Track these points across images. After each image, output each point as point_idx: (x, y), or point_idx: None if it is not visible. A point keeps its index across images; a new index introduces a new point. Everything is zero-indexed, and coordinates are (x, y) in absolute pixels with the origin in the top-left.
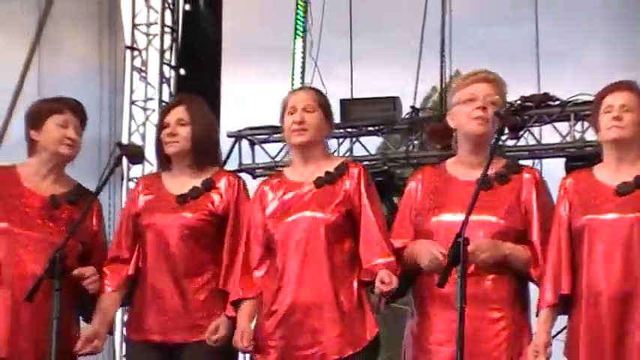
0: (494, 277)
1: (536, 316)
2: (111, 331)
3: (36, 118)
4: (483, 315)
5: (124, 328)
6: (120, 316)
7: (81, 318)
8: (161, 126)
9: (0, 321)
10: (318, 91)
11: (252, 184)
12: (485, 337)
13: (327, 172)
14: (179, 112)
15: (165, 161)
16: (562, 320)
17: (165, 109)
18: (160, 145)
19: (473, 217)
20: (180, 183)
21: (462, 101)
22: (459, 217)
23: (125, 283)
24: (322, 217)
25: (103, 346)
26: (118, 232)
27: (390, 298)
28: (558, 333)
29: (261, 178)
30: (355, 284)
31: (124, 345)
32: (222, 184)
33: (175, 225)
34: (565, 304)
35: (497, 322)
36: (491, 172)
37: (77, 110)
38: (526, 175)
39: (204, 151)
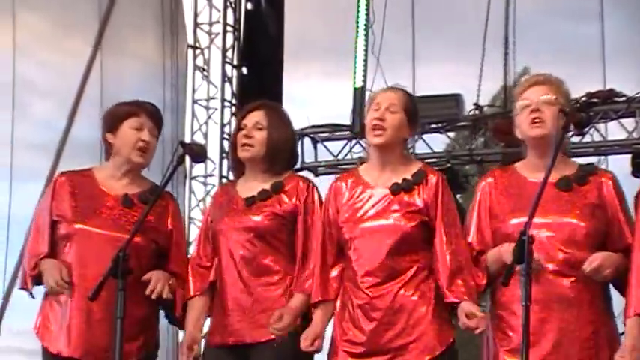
0: (575, 279)
1: (623, 324)
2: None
3: (112, 121)
4: (576, 316)
5: None
6: None
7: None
8: (238, 128)
9: (74, 321)
10: (405, 92)
11: (314, 182)
12: (579, 337)
13: (405, 179)
14: (257, 116)
15: (239, 165)
16: None
17: (243, 112)
18: (234, 148)
19: (557, 219)
20: (251, 187)
21: (519, 110)
22: (538, 219)
23: (210, 288)
24: (398, 226)
25: (201, 351)
26: (198, 239)
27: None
28: None
29: (324, 177)
30: (432, 293)
31: None
32: (291, 187)
33: (242, 228)
34: None
35: (587, 325)
36: (567, 173)
37: (153, 114)
38: (603, 178)
39: (279, 157)
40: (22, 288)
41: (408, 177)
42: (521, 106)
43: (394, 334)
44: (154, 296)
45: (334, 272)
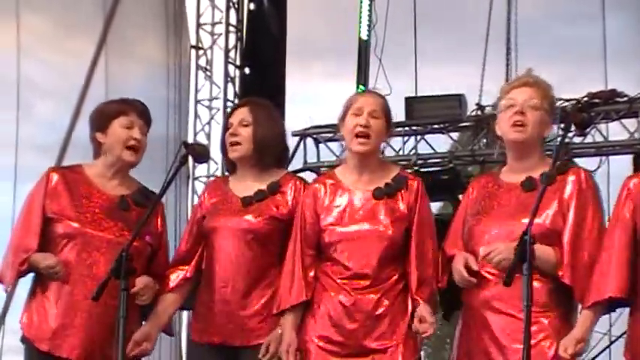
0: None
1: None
2: (171, 333)
3: (101, 119)
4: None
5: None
6: (186, 318)
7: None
8: (225, 127)
9: (75, 323)
10: (383, 97)
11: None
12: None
13: (387, 184)
14: (242, 113)
15: (230, 163)
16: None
17: (230, 112)
18: (225, 147)
19: (509, 221)
20: (245, 185)
21: (502, 109)
22: (496, 221)
23: (184, 284)
24: (381, 231)
25: (152, 348)
26: (184, 234)
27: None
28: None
29: None
30: (408, 304)
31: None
32: (288, 188)
33: (239, 228)
34: (611, 305)
35: (535, 324)
36: (537, 174)
37: (142, 112)
38: (571, 177)
39: (267, 152)
40: (3, 283)
41: (389, 181)
42: (505, 105)
43: (375, 337)
44: (139, 302)
45: (311, 273)
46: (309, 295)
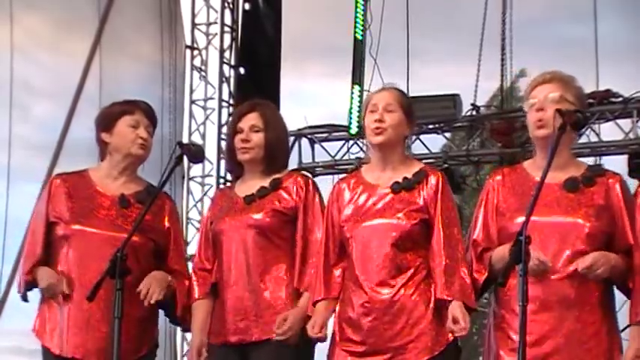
0: (580, 280)
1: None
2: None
3: (107, 120)
4: (577, 316)
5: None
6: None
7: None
8: (234, 132)
9: (73, 322)
10: (400, 91)
11: None
12: (580, 338)
13: (405, 178)
14: (252, 119)
15: (237, 167)
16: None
17: (237, 115)
18: (232, 151)
19: (562, 219)
20: (248, 186)
21: (527, 110)
22: (545, 219)
23: (213, 290)
24: (399, 224)
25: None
26: (199, 243)
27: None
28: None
29: (322, 177)
30: (432, 293)
31: (184, 345)
32: (290, 183)
33: (244, 226)
34: None
35: (591, 325)
36: (576, 174)
37: (147, 111)
38: (611, 179)
39: (277, 157)
40: (18, 292)
41: (409, 176)
42: (529, 105)
43: (394, 334)
44: (145, 304)
45: (337, 272)
46: (327, 294)
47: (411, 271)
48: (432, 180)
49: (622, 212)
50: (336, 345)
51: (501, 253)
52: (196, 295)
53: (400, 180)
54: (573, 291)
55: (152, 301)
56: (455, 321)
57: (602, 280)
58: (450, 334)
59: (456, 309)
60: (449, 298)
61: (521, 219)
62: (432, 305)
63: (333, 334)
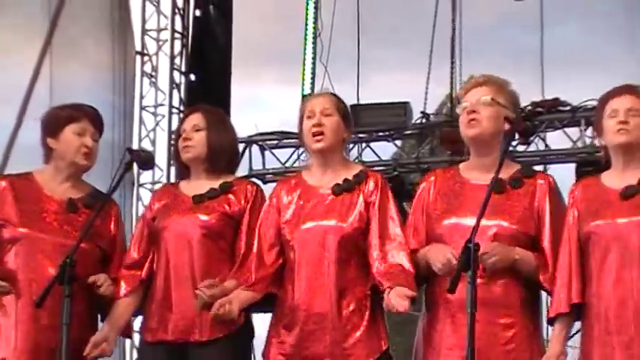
0: (505, 283)
1: (548, 324)
2: (129, 335)
3: (53, 125)
4: (495, 320)
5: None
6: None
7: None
8: (178, 135)
9: (20, 328)
10: (335, 96)
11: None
12: (496, 342)
13: (346, 180)
14: (195, 119)
15: (183, 169)
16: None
17: (183, 118)
18: (178, 153)
19: (485, 221)
20: (196, 186)
21: (460, 113)
22: (471, 221)
23: (139, 287)
24: (338, 227)
25: (112, 350)
26: (133, 238)
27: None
28: (571, 337)
29: (272, 184)
30: (368, 294)
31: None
32: (240, 188)
33: (192, 225)
34: (578, 312)
35: (509, 329)
36: (505, 176)
37: (94, 118)
38: (540, 181)
39: (220, 157)
40: None
41: (349, 177)
42: (462, 109)
43: (330, 340)
44: (107, 294)
45: (271, 270)
46: (253, 288)
47: (349, 276)
48: (372, 180)
49: (544, 213)
50: (272, 346)
51: (424, 253)
52: (121, 293)
53: (341, 182)
54: (495, 293)
55: (102, 291)
56: (402, 298)
57: (525, 282)
58: (383, 343)
59: (398, 291)
60: (388, 284)
61: (446, 221)
62: (367, 314)
63: (269, 335)
